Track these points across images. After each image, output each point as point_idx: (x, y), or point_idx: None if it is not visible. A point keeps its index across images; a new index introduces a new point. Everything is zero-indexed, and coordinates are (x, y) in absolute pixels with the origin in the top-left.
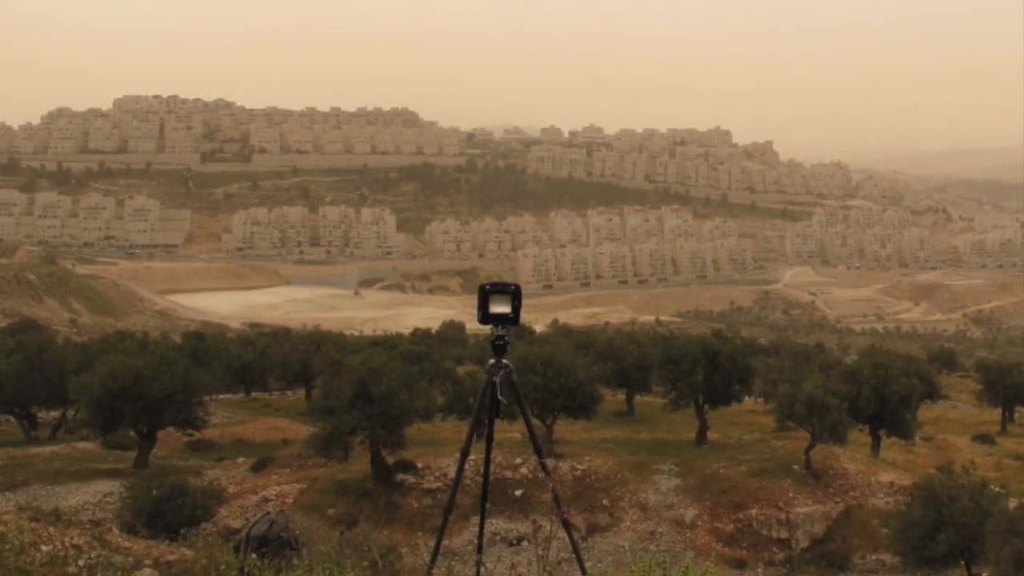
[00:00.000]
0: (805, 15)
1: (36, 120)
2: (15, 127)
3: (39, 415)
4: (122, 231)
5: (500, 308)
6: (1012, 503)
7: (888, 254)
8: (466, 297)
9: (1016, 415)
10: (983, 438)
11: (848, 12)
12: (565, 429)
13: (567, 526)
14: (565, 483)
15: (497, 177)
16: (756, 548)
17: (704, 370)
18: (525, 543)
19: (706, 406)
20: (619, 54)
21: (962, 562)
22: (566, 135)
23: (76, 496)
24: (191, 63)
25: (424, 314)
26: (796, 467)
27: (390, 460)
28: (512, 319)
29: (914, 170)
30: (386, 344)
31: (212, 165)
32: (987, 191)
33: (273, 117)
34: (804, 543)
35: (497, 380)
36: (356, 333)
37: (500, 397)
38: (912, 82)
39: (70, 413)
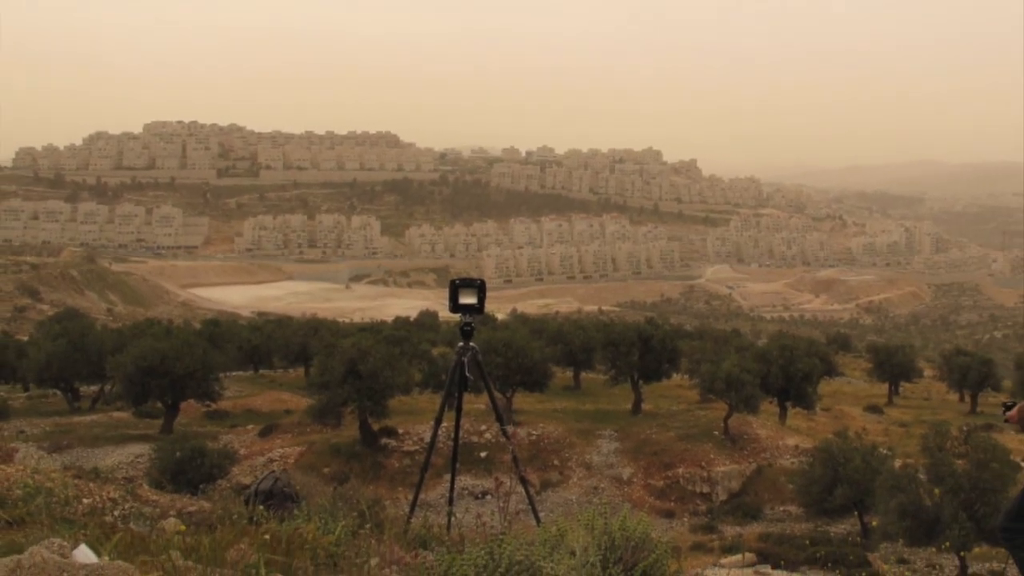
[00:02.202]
0: (725, 53)
1: (79, 142)
2: (61, 148)
3: (81, 389)
4: (151, 235)
5: (468, 299)
6: (897, 463)
7: (793, 254)
8: (439, 290)
9: (900, 389)
10: (873, 408)
11: (761, 51)
12: (522, 401)
13: (524, 482)
14: (522, 446)
15: (465, 189)
16: (683, 501)
17: (639, 351)
18: (489, 497)
19: (640, 381)
20: (568, 86)
21: (855, 512)
22: (523, 154)
23: (112, 457)
24: (209, 94)
25: (404, 304)
26: (716, 433)
27: (375, 427)
28: (478, 309)
29: (815, 183)
30: (372, 330)
31: (226, 180)
32: (876, 201)
33: (277, 139)
34: (723, 496)
35: (465, 360)
36: (347, 320)
37: (468, 374)
38: (814, 110)
39: (107, 387)
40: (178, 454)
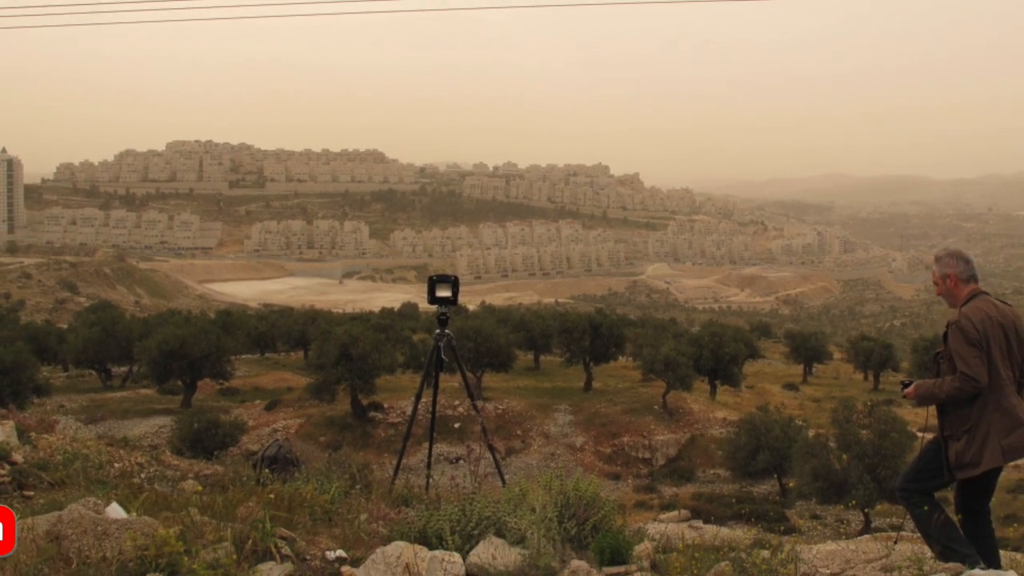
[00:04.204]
0: (664, 82)
1: (111, 158)
2: (95, 163)
3: (113, 369)
4: (172, 238)
5: (444, 293)
6: (811, 433)
7: (722, 254)
8: (419, 285)
9: (813, 369)
10: (790, 386)
11: (693, 80)
12: (490, 380)
13: (491, 449)
14: (490, 418)
15: (441, 199)
16: (627, 465)
17: (590, 337)
18: (461, 461)
19: (591, 363)
20: (530, 110)
21: (775, 475)
22: (491, 169)
23: (139, 428)
24: (222, 117)
25: (389, 297)
26: (656, 407)
27: (364, 402)
28: (452, 301)
29: (741, 194)
30: (361, 319)
31: (236, 190)
32: (793, 209)
33: (281, 156)
34: (662, 461)
35: (441, 344)
36: (340, 311)
37: (443, 357)
38: (739, 130)
39: (135, 368)
40: (196, 425)
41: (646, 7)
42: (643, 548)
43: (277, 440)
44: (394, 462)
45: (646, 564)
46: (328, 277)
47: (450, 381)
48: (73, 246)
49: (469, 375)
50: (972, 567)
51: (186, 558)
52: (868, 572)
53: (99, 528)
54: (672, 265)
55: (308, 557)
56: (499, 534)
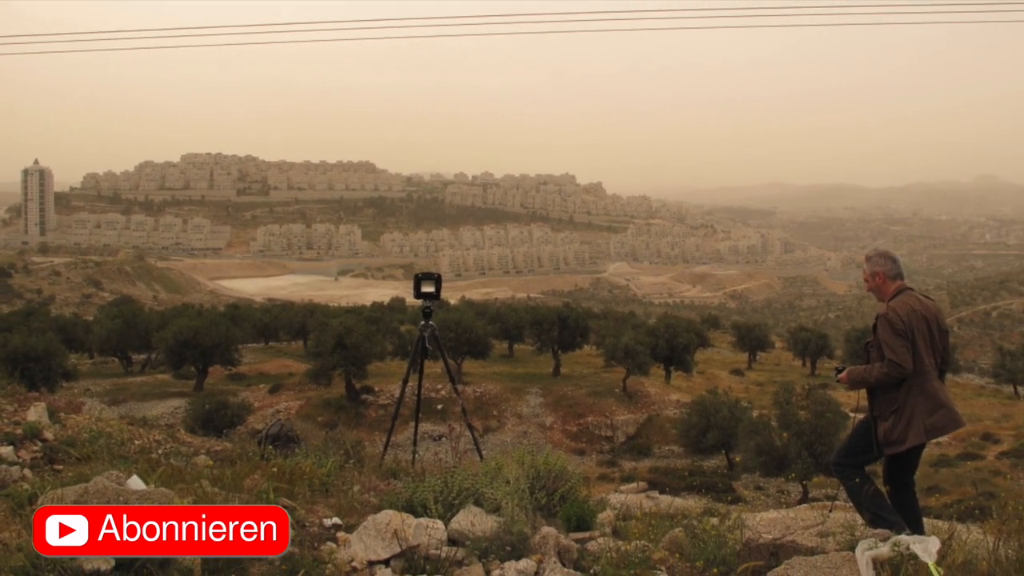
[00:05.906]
0: (626, 100)
1: (131, 168)
2: (118, 173)
3: (133, 357)
4: (186, 240)
5: (428, 288)
6: (755, 413)
7: (676, 254)
8: (406, 282)
9: (757, 357)
10: (736, 372)
11: (652, 99)
12: (469, 366)
13: (471, 428)
14: (469, 400)
15: (426, 205)
16: (591, 442)
17: (558, 328)
18: (444, 439)
19: (559, 351)
20: (505, 125)
21: (723, 451)
22: (470, 178)
23: (157, 409)
24: (231, 132)
25: (379, 293)
26: (617, 390)
27: (358, 385)
28: (435, 296)
29: (693, 200)
30: (355, 312)
31: (243, 197)
32: (739, 214)
33: (283, 167)
34: (622, 439)
35: (426, 335)
36: (336, 305)
37: (428, 346)
38: (691, 144)
39: (153, 356)
40: (207, 406)
41: (611, 33)
42: (606, 516)
43: (279, 420)
44: (384, 440)
45: (608, 530)
46: (325, 275)
47: (433, 367)
48: (98, 247)
49: (450, 362)
50: (898, 533)
51: None
52: (806, 537)
53: (121, 498)
54: (631, 264)
55: (307, 524)
56: (477, 503)
